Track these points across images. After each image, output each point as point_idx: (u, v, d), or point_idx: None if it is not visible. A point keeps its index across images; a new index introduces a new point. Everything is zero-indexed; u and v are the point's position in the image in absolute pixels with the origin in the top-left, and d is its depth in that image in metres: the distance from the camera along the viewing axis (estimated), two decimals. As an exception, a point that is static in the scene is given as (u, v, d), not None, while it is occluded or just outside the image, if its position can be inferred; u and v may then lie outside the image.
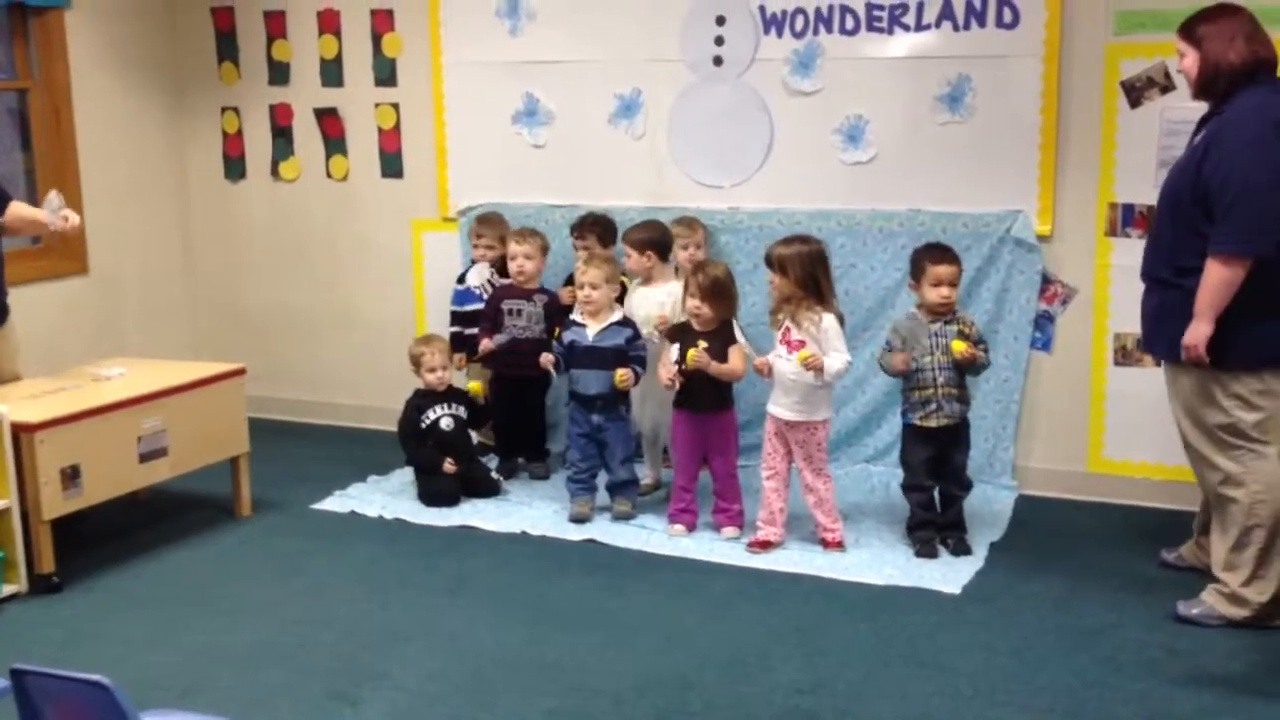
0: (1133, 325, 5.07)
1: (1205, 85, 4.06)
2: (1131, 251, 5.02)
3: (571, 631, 4.12)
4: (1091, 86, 5.08)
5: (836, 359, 4.59)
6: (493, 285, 5.79)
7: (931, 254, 4.72)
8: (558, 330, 5.31)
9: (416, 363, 5.49)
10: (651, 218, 5.55)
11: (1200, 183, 3.93)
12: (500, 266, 5.77)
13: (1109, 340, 5.21)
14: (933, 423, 4.65)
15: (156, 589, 4.57)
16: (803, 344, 4.59)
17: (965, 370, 4.66)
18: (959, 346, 4.57)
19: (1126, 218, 5.09)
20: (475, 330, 5.69)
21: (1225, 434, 4.01)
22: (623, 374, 5.01)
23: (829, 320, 4.63)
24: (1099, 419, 5.28)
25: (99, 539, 4.97)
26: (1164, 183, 4.20)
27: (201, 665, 3.94)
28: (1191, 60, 4.06)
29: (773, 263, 4.72)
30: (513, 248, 5.58)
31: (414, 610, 4.32)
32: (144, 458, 4.80)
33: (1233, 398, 3.98)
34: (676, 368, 4.82)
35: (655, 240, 5.35)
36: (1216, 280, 3.88)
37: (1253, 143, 3.86)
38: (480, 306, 5.74)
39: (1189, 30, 4.08)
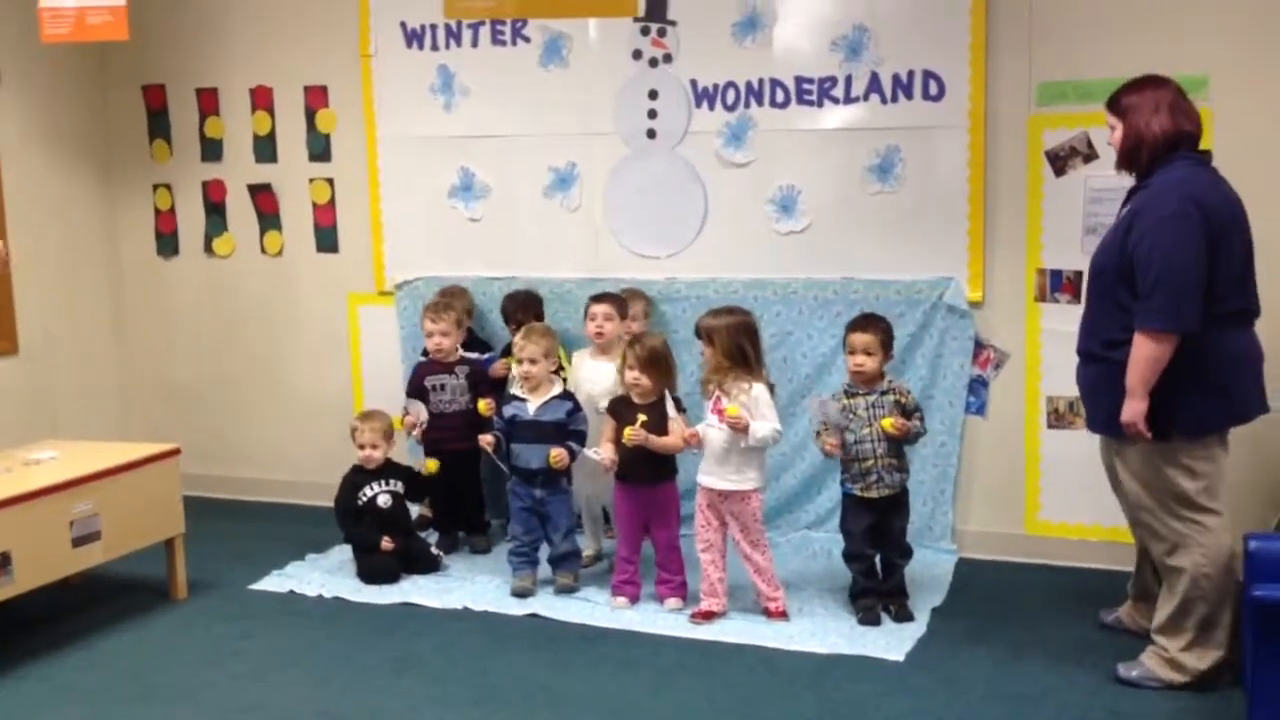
0: (1065, 388, 5.18)
1: (1128, 157, 4.06)
2: (1061, 316, 5.15)
3: (516, 709, 4.08)
4: (1017, 156, 5.19)
5: (764, 425, 4.62)
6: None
7: (851, 324, 4.80)
8: (482, 403, 5.34)
9: (353, 438, 5.46)
10: (603, 290, 5.60)
11: (1125, 257, 3.91)
12: (465, 341, 5.73)
13: (1042, 403, 5.28)
14: (873, 493, 4.68)
15: (90, 677, 4.46)
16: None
17: (902, 442, 4.71)
18: (888, 424, 4.61)
19: (1055, 283, 5.19)
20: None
21: (1175, 503, 3.97)
22: (557, 454, 4.98)
23: (758, 389, 4.66)
24: (1035, 481, 5.35)
25: (30, 626, 4.86)
26: (1092, 257, 4.17)
27: (138, 756, 3.86)
28: (1120, 133, 4.05)
29: (701, 333, 4.77)
30: (428, 325, 5.56)
31: (356, 692, 4.26)
32: (76, 542, 4.71)
33: (1177, 467, 3.95)
34: (613, 449, 4.84)
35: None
36: (1145, 355, 3.85)
37: (1173, 218, 3.82)
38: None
39: (1115, 103, 4.09)
